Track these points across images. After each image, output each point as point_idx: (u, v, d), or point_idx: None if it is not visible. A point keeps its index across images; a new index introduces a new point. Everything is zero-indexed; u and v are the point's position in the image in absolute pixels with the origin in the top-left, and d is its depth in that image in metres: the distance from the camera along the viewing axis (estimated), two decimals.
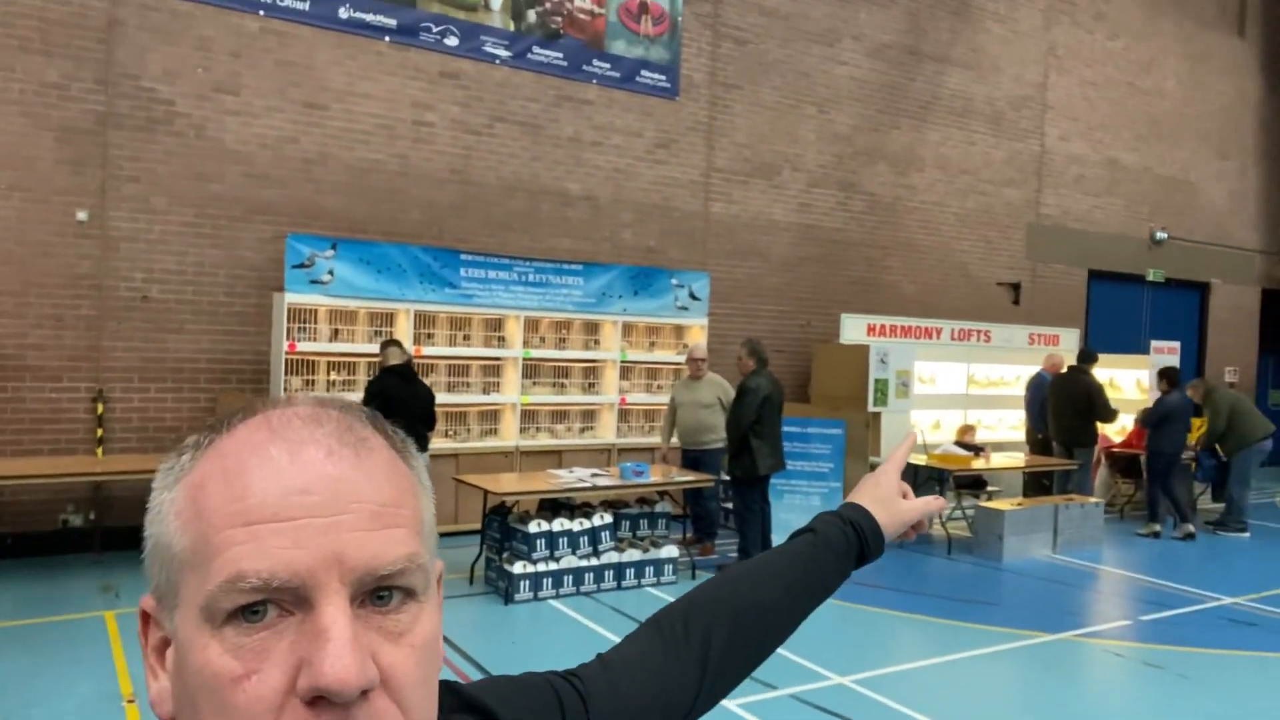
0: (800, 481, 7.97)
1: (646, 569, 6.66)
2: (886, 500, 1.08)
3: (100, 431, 7.02)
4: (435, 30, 8.41)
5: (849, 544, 1.02)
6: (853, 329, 10.09)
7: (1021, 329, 11.51)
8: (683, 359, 9.29)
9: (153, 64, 7.20)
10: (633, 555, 6.63)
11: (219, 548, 0.50)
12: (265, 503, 0.51)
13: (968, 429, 9.80)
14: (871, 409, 9.08)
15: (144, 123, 7.18)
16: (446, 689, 0.66)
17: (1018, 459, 9.44)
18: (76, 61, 6.91)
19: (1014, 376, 11.17)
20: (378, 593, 0.52)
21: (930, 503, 1.13)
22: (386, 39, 8.17)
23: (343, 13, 7.98)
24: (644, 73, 9.54)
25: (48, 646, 4.91)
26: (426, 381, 7.06)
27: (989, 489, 9.28)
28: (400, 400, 6.29)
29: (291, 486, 0.51)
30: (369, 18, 8.09)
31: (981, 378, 11.04)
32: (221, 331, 7.49)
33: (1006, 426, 11.08)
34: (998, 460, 9.16)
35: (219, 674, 0.49)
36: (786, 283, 10.53)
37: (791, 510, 7.91)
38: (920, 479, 8.52)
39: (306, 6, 7.83)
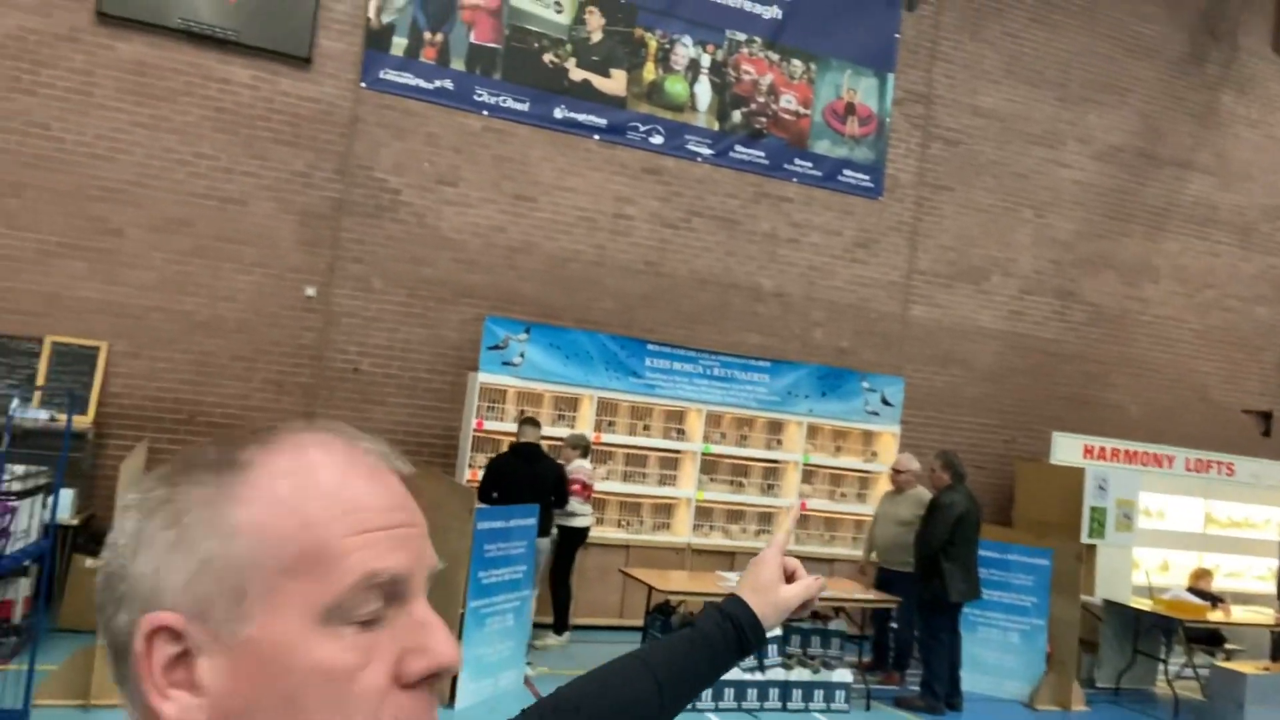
0: (997, 614, 7.18)
1: (815, 692, 6.16)
2: (765, 588, 1.10)
3: None
4: (642, 129, 8.70)
5: (726, 638, 1.05)
6: (1066, 449, 9.18)
7: (1273, 464, 10.05)
8: (870, 466, 8.77)
9: (385, 157, 7.86)
10: (801, 674, 6.16)
11: (343, 552, 0.55)
12: (375, 515, 0.57)
13: (1203, 574, 8.54)
14: (1086, 540, 8.13)
15: (373, 209, 7.81)
16: None
17: (1266, 615, 8.09)
18: (320, 153, 7.67)
19: (1263, 519, 9.71)
20: None
21: (810, 585, 1.12)
22: (596, 137, 8.53)
23: (558, 113, 8.43)
24: (846, 172, 9.39)
25: None
26: (596, 469, 7.01)
27: (1228, 647, 7.99)
28: (515, 479, 6.45)
29: (387, 504, 0.59)
30: (581, 117, 8.49)
31: (1223, 516, 9.68)
32: (419, 406, 7.86)
33: (1252, 576, 9.60)
34: (1240, 614, 7.89)
35: (340, 669, 0.54)
36: (990, 393, 9.81)
37: (986, 645, 7.13)
38: (1144, 625, 7.46)
39: (526, 107, 8.33)
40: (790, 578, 1.12)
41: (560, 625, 7.03)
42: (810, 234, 9.23)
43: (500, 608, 6.10)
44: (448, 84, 8.11)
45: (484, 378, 7.48)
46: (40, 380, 6.66)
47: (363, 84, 7.81)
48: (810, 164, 9.27)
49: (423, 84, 8.04)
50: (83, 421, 6.64)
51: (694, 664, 1.02)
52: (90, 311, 7.00)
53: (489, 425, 7.49)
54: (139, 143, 7.17)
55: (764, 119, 9.14)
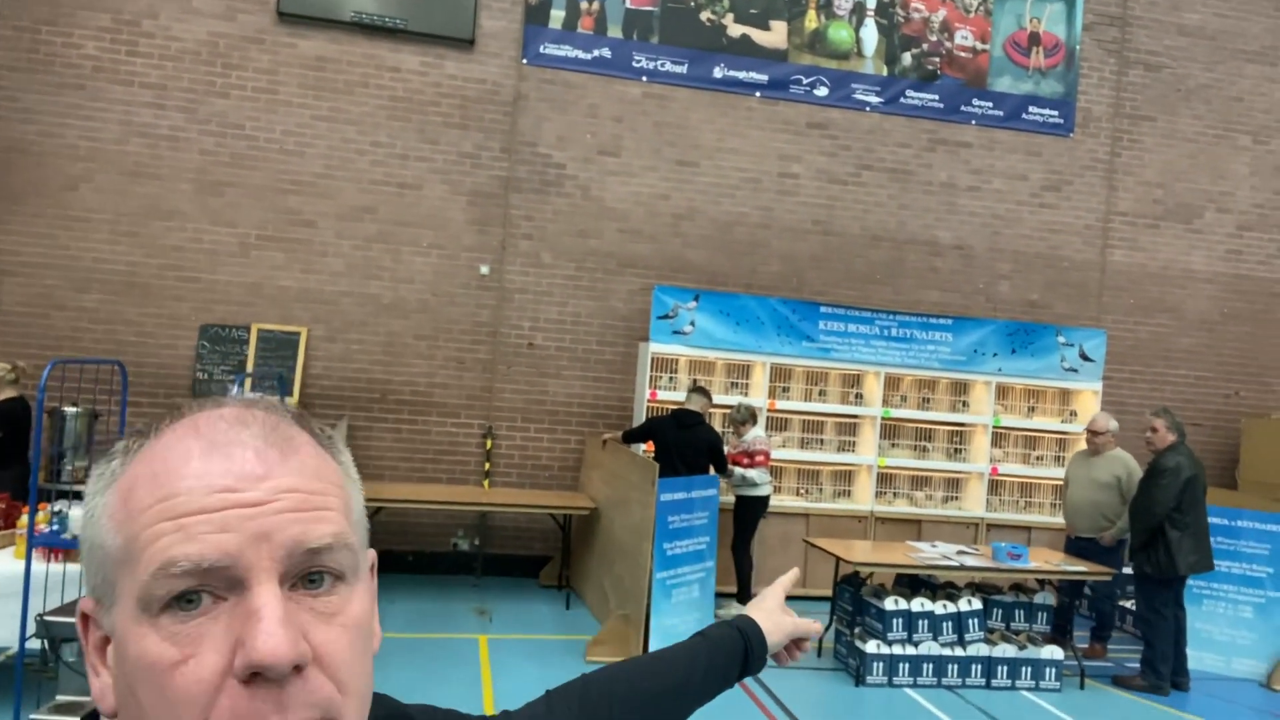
0: (1226, 586, 6.52)
1: (1023, 669, 5.79)
2: (771, 612, 1.15)
3: (488, 465, 7.72)
4: (805, 82, 8.34)
5: (734, 648, 1.08)
6: None
7: None
8: (1069, 427, 8.15)
9: (548, 132, 7.90)
10: (1005, 650, 5.80)
11: (148, 540, 0.53)
12: (192, 499, 0.53)
13: None
14: None
15: (539, 185, 7.89)
16: (379, 701, 0.68)
17: None
18: (487, 133, 7.79)
19: None
20: (309, 576, 0.55)
21: (811, 624, 1.18)
22: (757, 94, 8.24)
23: (717, 72, 8.20)
24: (1032, 109, 8.68)
25: (426, 662, 5.35)
26: (772, 436, 6.83)
27: None
28: (666, 442, 6.54)
29: (217, 485, 0.54)
30: (741, 75, 8.23)
31: None
32: (592, 378, 7.92)
33: None
34: None
35: (157, 661, 0.51)
36: (1205, 344, 8.88)
37: (1213, 620, 6.49)
38: None
39: (684, 69, 8.15)
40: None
41: (744, 595, 6.95)
42: (992, 180, 8.61)
43: (686, 579, 6.06)
44: (605, 52, 8.04)
45: (655, 347, 7.44)
46: (250, 365, 7.15)
47: (524, 60, 7.85)
48: (990, 104, 8.61)
49: (581, 55, 8.00)
50: (288, 403, 7.07)
51: (713, 668, 1.05)
52: (290, 299, 7.44)
53: (662, 395, 7.45)
54: (322, 135, 7.51)
55: (937, 59, 8.56)
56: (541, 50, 7.92)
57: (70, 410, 6.27)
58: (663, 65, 8.14)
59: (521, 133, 7.85)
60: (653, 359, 7.47)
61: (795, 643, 1.18)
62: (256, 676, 0.51)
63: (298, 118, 7.47)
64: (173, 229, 7.24)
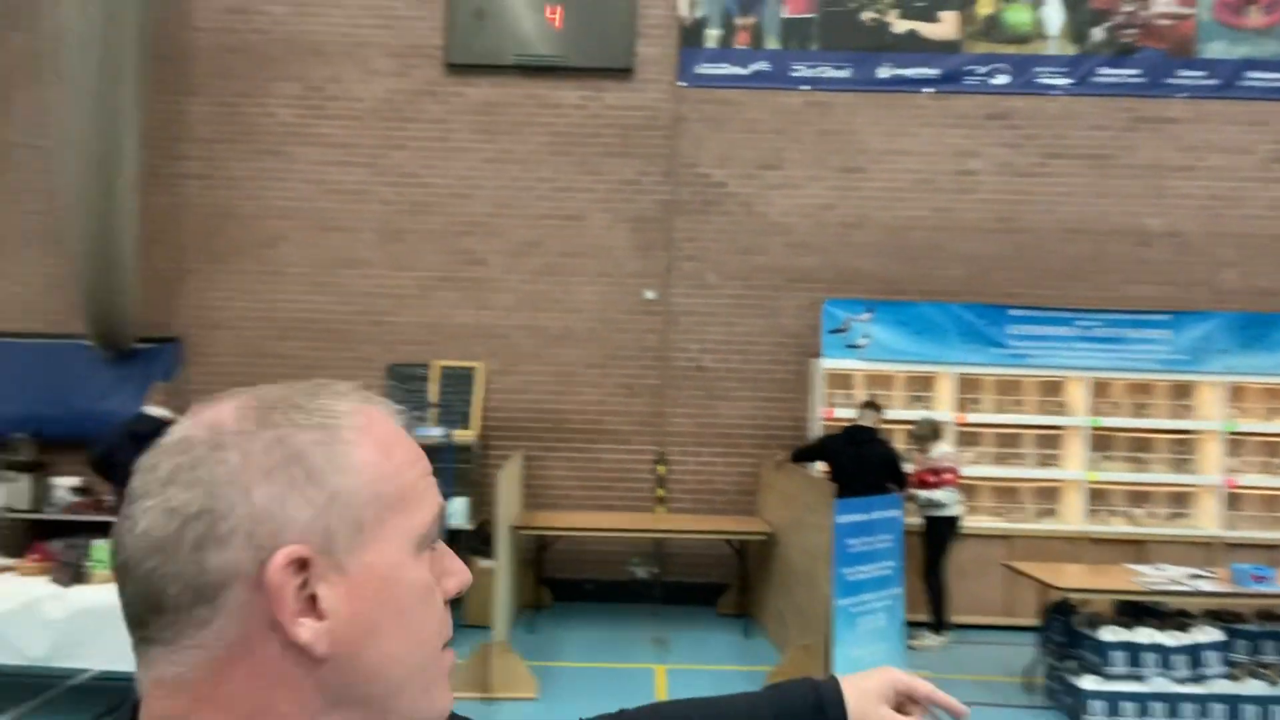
0: None
1: (1276, 710, 4.97)
2: (866, 694, 0.90)
3: (661, 491, 7.63)
4: (981, 72, 7.79)
5: (804, 708, 0.91)
6: None
7: None
8: None
9: (708, 151, 7.80)
10: (1255, 688, 5.00)
11: (424, 489, 0.65)
12: (426, 463, 0.66)
13: None
14: None
15: (701, 205, 7.79)
16: None
17: None
18: (647, 158, 7.80)
19: None
20: None
21: None
22: (926, 90, 7.79)
23: (882, 72, 7.82)
24: (1251, 74, 7.67)
25: (603, 691, 5.28)
26: (963, 452, 6.32)
27: None
28: (840, 460, 6.24)
29: (423, 455, 0.67)
30: (909, 72, 7.81)
31: None
32: (763, 398, 7.68)
33: None
34: None
35: (428, 585, 0.64)
36: None
37: None
38: None
39: (847, 73, 7.84)
40: (900, 708, 0.91)
41: (938, 623, 6.44)
42: (1208, 157, 7.66)
43: (870, 606, 5.68)
44: (763, 65, 7.87)
45: (828, 364, 7.11)
46: (432, 400, 7.46)
47: (680, 83, 7.82)
48: (1201, 73, 7.69)
49: (738, 71, 7.88)
50: (468, 435, 7.32)
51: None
52: (466, 336, 7.72)
53: (840, 413, 7.09)
54: (490, 177, 7.78)
55: (1133, 30, 7.76)
56: (697, 70, 7.86)
57: None
58: (823, 72, 7.86)
59: (681, 155, 7.80)
60: (827, 376, 7.14)
61: None
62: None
63: (468, 162, 7.78)
64: (360, 276, 7.71)
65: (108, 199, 6.80)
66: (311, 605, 0.58)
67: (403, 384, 7.55)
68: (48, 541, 5.20)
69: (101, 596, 4.48)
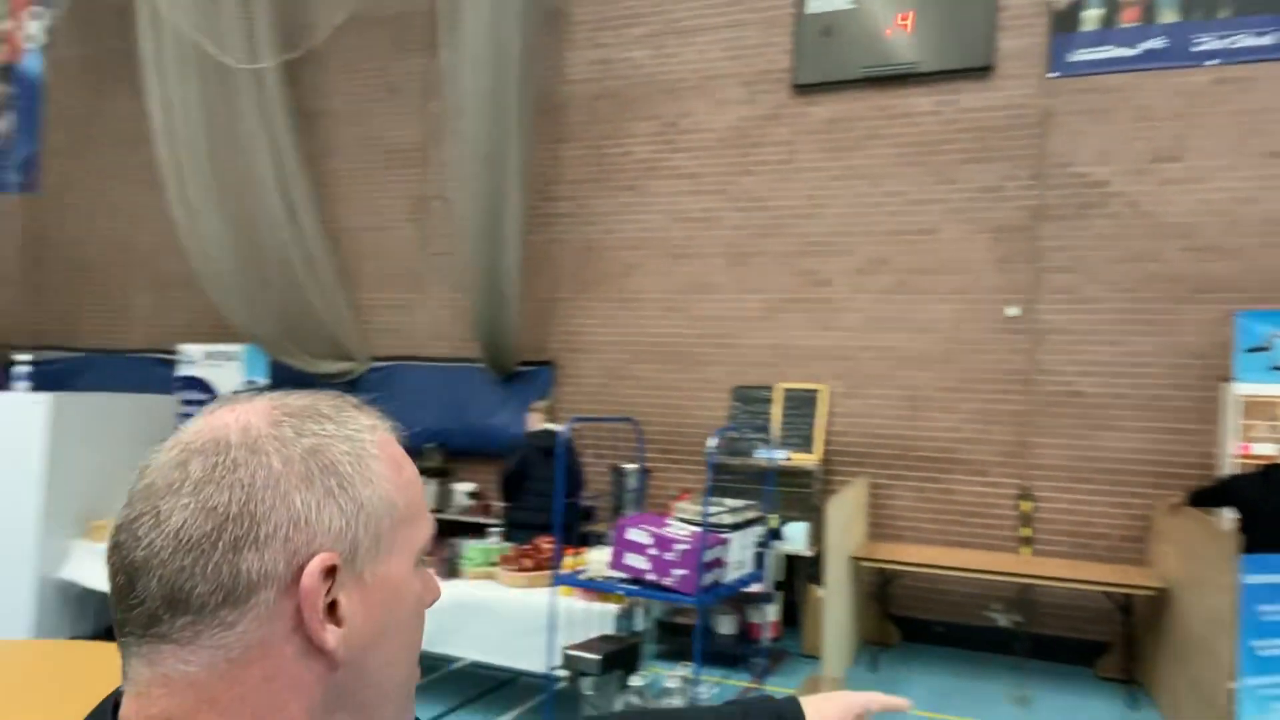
0: None
1: None
2: (830, 714, 0.95)
3: (1026, 530, 6.82)
4: None
5: None
6: None
7: None
8: None
9: (1086, 147, 6.90)
10: None
11: (423, 505, 0.68)
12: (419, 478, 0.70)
13: None
14: None
15: (1074, 210, 6.90)
16: None
17: None
18: (1011, 162, 7.09)
19: None
20: None
21: None
22: None
23: None
24: None
25: None
26: None
27: None
28: (1256, 507, 5.09)
29: None
30: None
31: None
32: (1158, 429, 6.54)
33: None
34: None
35: (422, 597, 0.67)
36: None
37: None
38: None
39: (1270, 39, 6.49)
40: None
41: None
42: None
43: None
44: (1157, 43, 6.79)
45: (1243, 389, 5.86)
46: (775, 423, 7.42)
47: (1051, 74, 7.01)
48: None
49: (1125, 52, 6.87)
50: (810, 459, 7.15)
51: None
52: (810, 358, 7.58)
53: (1259, 449, 5.80)
54: (836, 194, 7.59)
55: None
56: (1072, 59, 7.00)
57: (629, 467, 7.16)
58: (1237, 41, 6.58)
59: (1052, 154, 6.98)
60: (1241, 403, 5.89)
61: None
62: None
63: (813, 181, 7.67)
64: (708, 300, 7.93)
65: (496, 240, 7.73)
66: (331, 612, 0.60)
67: (746, 405, 7.61)
68: (436, 538, 5.99)
69: (471, 591, 5.01)
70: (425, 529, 0.67)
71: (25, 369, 6.07)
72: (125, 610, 0.58)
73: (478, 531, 6.38)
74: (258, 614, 0.57)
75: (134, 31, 8.09)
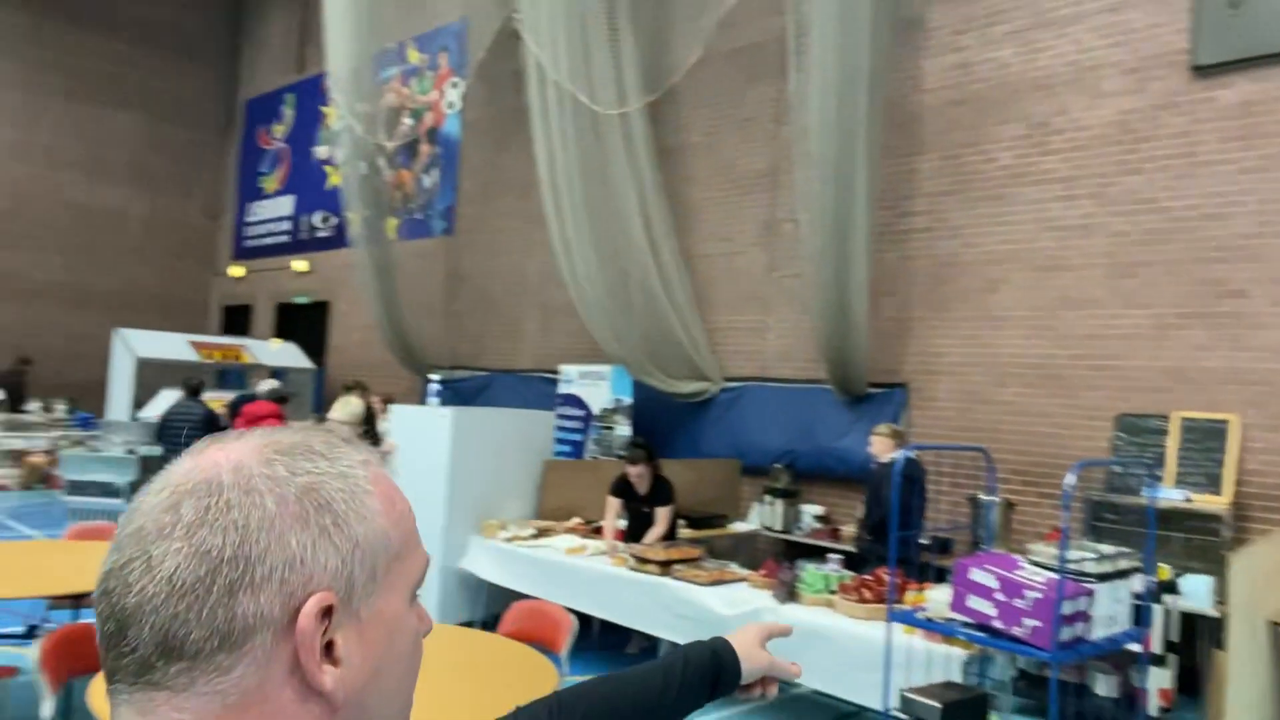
0: None
1: None
2: (750, 643, 1.17)
3: None
4: None
5: (708, 670, 1.12)
6: None
7: None
8: None
9: None
10: None
11: (416, 540, 0.67)
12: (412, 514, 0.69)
13: None
14: None
15: None
16: None
17: None
18: None
19: None
20: None
21: (788, 666, 1.22)
22: None
23: None
24: None
25: None
26: None
27: None
28: None
29: None
30: None
31: None
32: None
33: None
34: None
35: (419, 632, 0.67)
36: None
37: None
38: None
39: None
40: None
41: None
42: None
43: None
44: None
45: None
46: (1170, 458, 6.42)
47: None
48: None
49: None
50: (1216, 502, 6.09)
51: (686, 687, 1.10)
52: (1216, 382, 6.47)
53: None
54: (1249, 191, 6.43)
55: None
56: None
57: (988, 499, 6.62)
58: None
59: None
60: None
61: (764, 681, 1.19)
62: None
63: (1218, 177, 6.57)
64: (1084, 318, 7.11)
65: (842, 260, 7.61)
66: (328, 652, 0.59)
67: (1133, 436, 6.68)
68: (779, 560, 6.01)
69: (810, 618, 4.95)
70: (420, 562, 0.66)
71: (437, 386, 7.14)
72: (116, 659, 0.56)
73: (822, 555, 6.30)
74: (254, 658, 0.56)
75: (526, 90, 9.21)
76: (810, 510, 8.21)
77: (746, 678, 1.15)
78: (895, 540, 4.16)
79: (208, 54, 18.05)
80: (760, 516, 8.25)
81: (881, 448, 6.38)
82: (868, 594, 4.73)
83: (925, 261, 8.05)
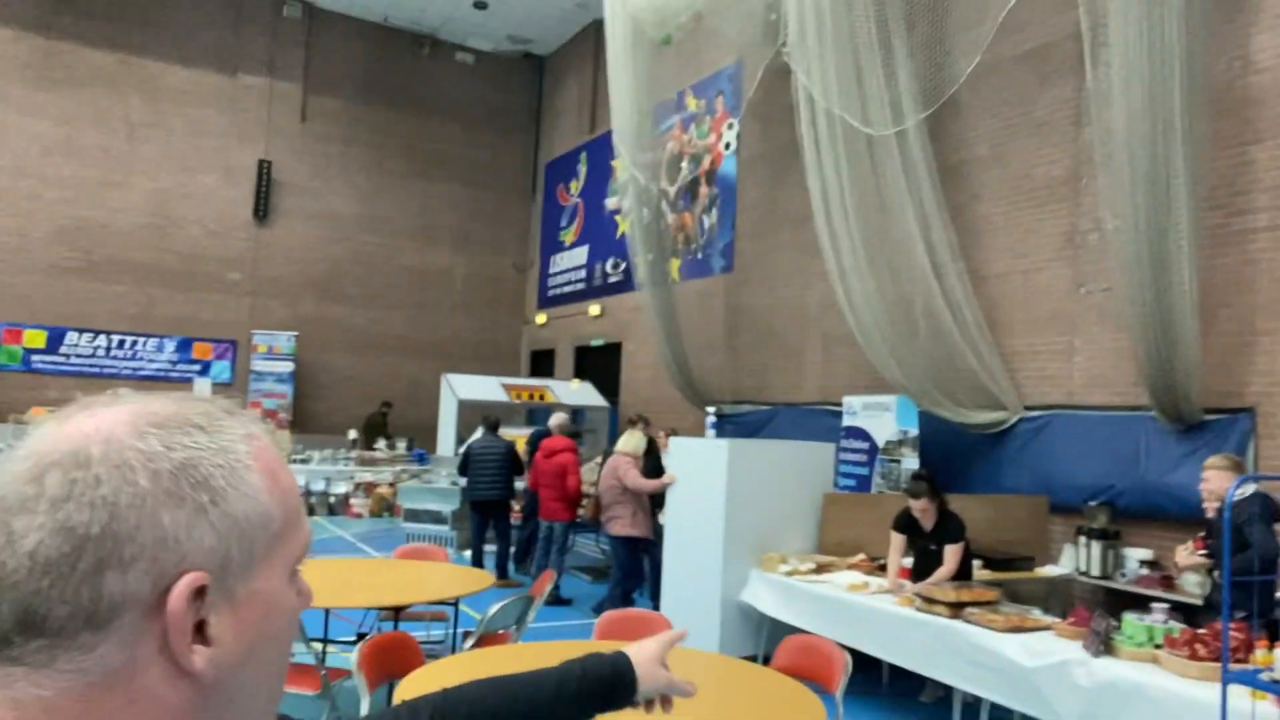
0: None
1: None
2: (649, 660, 1.18)
3: None
4: None
5: (603, 680, 1.13)
6: None
7: None
8: None
9: None
10: None
11: (299, 515, 0.64)
12: (296, 488, 0.66)
13: None
14: None
15: None
16: None
17: None
18: None
19: None
20: None
21: (685, 685, 1.21)
22: None
23: None
24: None
25: None
26: None
27: None
28: None
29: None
30: None
31: None
32: None
33: None
34: None
35: (295, 609, 0.65)
36: None
37: None
38: None
39: None
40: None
41: None
42: None
43: None
44: None
45: None
46: None
47: None
48: None
49: None
50: None
51: (580, 696, 1.10)
52: None
53: None
54: None
55: None
56: None
57: None
58: None
59: None
60: None
61: (663, 699, 1.19)
62: None
63: None
64: None
65: (1161, 268, 6.72)
66: (199, 632, 0.57)
67: None
68: (1090, 607, 5.34)
69: (1129, 674, 4.34)
70: (301, 539, 0.64)
71: (712, 419, 7.22)
72: None
73: (1145, 606, 5.50)
74: (121, 637, 0.54)
75: (798, 123, 9.18)
76: (1136, 554, 7.24)
77: (642, 696, 1.16)
78: (1229, 586, 3.53)
79: (516, 127, 20.01)
80: (1073, 560, 7.41)
81: (1220, 483, 5.47)
82: (1201, 650, 4.05)
83: (1270, 266, 6.88)
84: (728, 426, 10.57)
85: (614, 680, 1.14)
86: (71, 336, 15.97)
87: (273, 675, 0.64)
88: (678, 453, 7.08)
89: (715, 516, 6.50)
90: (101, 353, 16.16)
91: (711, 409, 7.41)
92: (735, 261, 12.87)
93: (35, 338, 15.71)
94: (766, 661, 6.43)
